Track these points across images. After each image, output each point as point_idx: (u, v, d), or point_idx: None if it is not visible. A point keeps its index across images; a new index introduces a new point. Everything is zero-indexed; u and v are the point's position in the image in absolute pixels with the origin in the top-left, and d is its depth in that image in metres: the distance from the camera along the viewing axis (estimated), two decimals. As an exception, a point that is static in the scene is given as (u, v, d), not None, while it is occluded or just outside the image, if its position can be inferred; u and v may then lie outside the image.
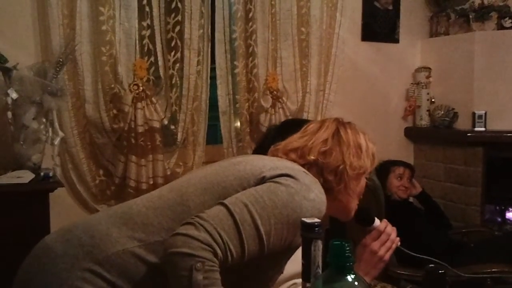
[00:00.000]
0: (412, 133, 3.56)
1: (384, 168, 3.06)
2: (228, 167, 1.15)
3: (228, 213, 0.98)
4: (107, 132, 2.46)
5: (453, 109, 3.31)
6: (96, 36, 2.41)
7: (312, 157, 1.22)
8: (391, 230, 1.36)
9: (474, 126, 3.20)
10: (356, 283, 0.82)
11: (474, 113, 3.20)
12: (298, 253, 1.20)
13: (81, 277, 1.01)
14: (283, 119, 2.78)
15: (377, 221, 1.36)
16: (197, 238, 0.93)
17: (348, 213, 1.31)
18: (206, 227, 0.95)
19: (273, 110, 2.80)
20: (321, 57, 2.96)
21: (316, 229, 1.01)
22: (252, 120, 2.83)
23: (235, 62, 2.77)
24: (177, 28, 2.58)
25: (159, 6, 2.54)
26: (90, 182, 2.49)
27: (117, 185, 2.51)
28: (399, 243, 1.38)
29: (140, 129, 2.46)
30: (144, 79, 2.51)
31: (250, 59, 2.78)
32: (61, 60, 2.20)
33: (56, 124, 2.23)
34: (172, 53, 2.58)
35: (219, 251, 0.94)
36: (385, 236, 1.34)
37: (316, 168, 1.21)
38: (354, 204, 1.30)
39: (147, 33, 2.53)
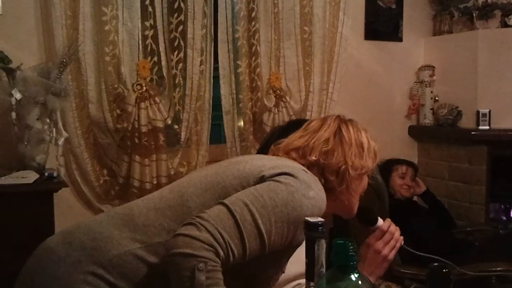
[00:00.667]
0: (416, 132, 3.55)
1: (387, 167, 3.05)
2: (228, 167, 1.15)
3: (229, 212, 0.98)
4: (111, 132, 2.47)
5: (457, 107, 3.30)
6: (99, 36, 2.41)
7: (314, 158, 1.21)
8: (395, 229, 1.35)
9: (478, 125, 3.18)
10: (359, 282, 0.82)
11: (478, 112, 3.19)
12: (301, 253, 1.20)
13: (83, 280, 1.01)
14: (286, 118, 2.78)
15: (380, 221, 1.36)
16: (198, 238, 0.93)
17: (350, 211, 1.31)
18: (207, 227, 0.94)
19: (276, 109, 2.80)
20: (324, 56, 2.96)
21: (320, 228, 1.01)
22: (256, 119, 2.83)
23: (238, 62, 2.77)
24: (180, 28, 2.58)
25: (162, 6, 2.55)
26: (94, 182, 2.50)
27: (121, 185, 2.51)
28: (402, 242, 1.37)
29: (144, 129, 2.46)
30: (148, 79, 2.51)
31: (253, 58, 2.78)
32: (64, 60, 2.21)
33: (60, 125, 2.24)
34: (175, 53, 2.58)
35: (221, 251, 0.94)
36: (389, 235, 1.34)
37: (317, 168, 1.20)
38: (355, 203, 1.30)
39: (150, 33, 2.53)
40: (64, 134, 2.26)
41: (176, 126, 2.63)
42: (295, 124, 1.60)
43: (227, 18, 2.72)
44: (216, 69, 2.74)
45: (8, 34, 2.32)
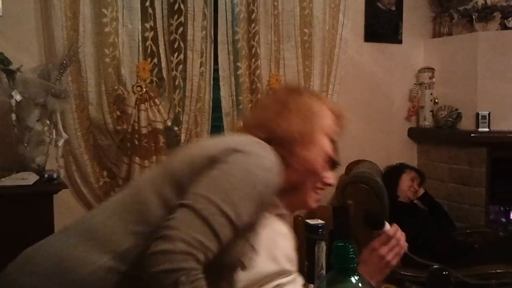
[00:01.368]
0: (416, 134, 3.55)
1: (398, 169, 3.09)
2: (179, 155, 1.12)
3: (193, 213, 0.95)
4: (111, 133, 2.47)
5: (456, 109, 3.30)
6: (99, 38, 2.41)
7: (262, 134, 1.18)
8: (401, 236, 1.34)
9: (477, 127, 3.19)
10: (360, 284, 0.82)
11: (477, 114, 3.19)
12: (277, 250, 1.19)
13: None
14: (286, 120, 2.77)
15: (387, 225, 1.35)
16: (174, 251, 0.91)
17: (305, 194, 1.24)
18: (179, 236, 0.92)
19: (276, 111, 2.80)
20: (324, 58, 2.96)
21: (320, 230, 1.01)
22: (255, 121, 2.82)
23: (238, 63, 2.77)
24: (180, 29, 2.58)
25: (162, 8, 2.55)
26: (94, 184, 2.50)
27: (121, 187, 2.51)
28: (406, 248, 1.36)
29: (144, 131, 2.46)
30: (147, 81, 2.52)
31: (253, 60, 2.78)
32: (64, 62, 2.21)
33: (60, 126, 2.24)
34: (175, 55, 2.58)
35: (199, 255, 0.92)
36: (395, 241, 1.32)
37: (268, 142, 1.16)
38: (311, 184, 1.24)
39: (150, 34, 2.53)
40: (64, 135, 2.26)
41: (176, 128, 2.63)
42: None
43: (227, 20, 2.73)
44: (216, 70, 2.74)
45: (8, 35, 2.32)
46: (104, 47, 2.41)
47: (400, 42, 3.46)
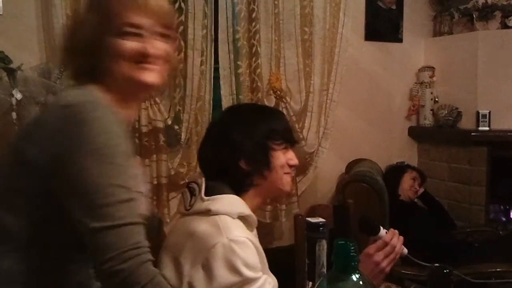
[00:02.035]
0: (416, 133, 3.55)
1: (400, 168, 3.11)
2: (3, 162, 1.10)
3: (102, 230, 0.94)
4: (111, 132, 2.46)
5: (457, 108, 3.30)
6: (100, 37, 2.41)
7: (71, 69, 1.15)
8: (397, 242, 1.33)
9: (478, 126, 3.19)
10: (361, 282, 0.82)
11: (478, 113, 3.19)
12: (239, 260, 1.17)
13: None
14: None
15: (382, 231, 1.34)
16: (128, 275, 0.93)
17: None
18: (118, 261, 0.93)
19: (276, 110, 2.80)
20: (325, 56, 2.96)
21: (321, 228, 1.02)
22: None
23: (239, 62, 2.77)
24: (181, 28, 2.58)
25: (162, 7, 2.54)
26: (94, 182, 2.49)
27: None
28: (406, 252, 1.36)
29: (144, 129, 2.46)
30: (148, 79, 2.51)
31: (254, 59, 2.78)
32: (65, 60, 2.21)
33: (60, 125, 2.24)
34: (176, 53, 2.58)
35: (145, 255, 0.96)
36: (390, 248, 1.31)
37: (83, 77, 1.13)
38: (129, 72, 1.11)
39: (150, 33, 2.53)
40: (65, 134, 2.26)
41: (176, 127, 2.62)
42: (231, 110, 1.56)
43: (227, 18, 2.72)
44: (216, 69, 2.74)
45: (9, 34, 2.31)
46: (104, 46, 2.41)
47: (400, 41, 3.46)
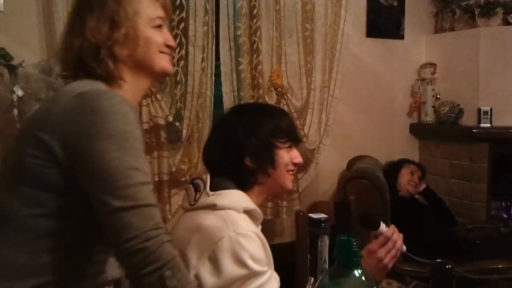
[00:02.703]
0: (417, 130, 3.55)
1: (397, 164, 3.10)
2: (12, 151, 1.12)
3: (123, 210, 0.96)
4: (112, 129, 2.46)
5: (458, 105, 3.30)
6: (101, 33, 2.41)
7: (72, 55, 1.14)
8: (398, 238, 1.34)
9: (479, 122, 3.19)
10: (363, 277, 0.82)
11: (479, 109, 3.19)
12: (245, 253, 1.18)
13: None
14: (288, 115, 2.77)
15: (383, 226, 1.35)
16: (150, 252, 0.95)
17: (152, 65, 1.20)
18: (140, 240, 0.95)
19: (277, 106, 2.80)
20: (326, 53, 2.96)
21: (323, 224, 1.02)
22: (257, 117, 2.82)
23: (240, 59, 2.76)
24: (182, 25, 2.57)
25: (163, 3, 2.54)
26: (95, 179, 2.49)
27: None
28: (404, 249, 1.36)
29: (145, 126, 2.46)
30: (149, 76, 2.51)
31: (255, 55, 2.78)
32: (66, 57, 2.21)
33: (62, 122, 2.24)
34: (177, 50, 2.57)
35: (165, 235, 0.97)
36: (391, 243, 1.32)
37: (81, 67, 1.13)
38: (154, 56, 1.19)
39: (151, 30, 2.52)
40: (66, 131, 2.26)
41: (177, 123, 2.62)
42: (236, 109, 1.58)
43: (228, 15, 2.72)
44: (217, 66, 2.74)
45: (10, 31, 2.31)
46: (105, 43, 2.40)
47: (402, 37, 3.46)
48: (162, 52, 1.20)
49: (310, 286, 1.03)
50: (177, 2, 2.56)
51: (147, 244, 0.94)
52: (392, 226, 1.36)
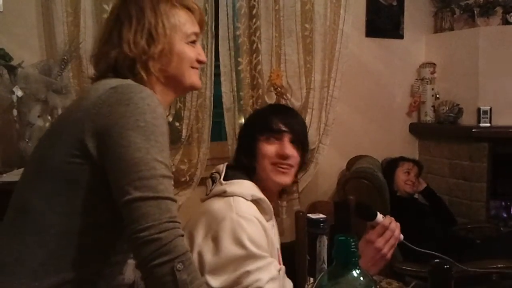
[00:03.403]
0: (417, 129, 3.55)
1: (392, 163, 3.08)
2: (44, 148, 1.12)
3: (142, 200, 0.97)
4: (112, 129, 2.46)
5: (458, 104, 3.30)
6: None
7: (110, 61, 1.16)
8: (395, 227, 1.35)
9: (479, 122, 3.19)
10: (361, 278, 0.82)
11: (479, 109, 3.19)
12: (245, 234, 1.21)
13: None
14: (287, 115, 2.77)
15: (379, 216, 1.35)
16: (163, 244, 0.95)
17: (182, 80, 1.22)
18: (156, 230, 0.95)
19: (277, 106, 2.80)
20: (325, 53, 2.96)
21: (321, 224, 1.02)
22: (257, 116, 2.82)
23: (239, 59, 2.77)
24: (181, 25, 2.57)
25: (163, 3, 2.54)
26: (95, 179, 2.49)
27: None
28: (402, 238, 1.37)
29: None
30: (149, 76, 2.51)
31: (254, 55, 2.78)
32: (65, 57, 2.21)
33: (61, 122, 2.24)
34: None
35: (180, 229, 0.98)
36: (389, 232, 1.33)
37: (113, 72, 1.15)
38: (185, 70, 1.22)
39: (151, 30, 2.53)
40: (65, 131, 2.26)
41: (177, 123, 2.62)
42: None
43: (228, 15, 2.72)
44: (217, 66, 2.74)
45: (9, 31, 2.31)
46: (105, 43, 2.41)
47: (401, 37, 3.46)
48: (193, 67, 1.23)
49: (309, 286, 1.03)
50: (177, 2, 2.57)
51: (162, 235, 0.95)
52: (388, 216, 1.37)
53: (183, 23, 1.20)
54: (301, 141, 1.47)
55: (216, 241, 1.25)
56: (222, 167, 1.42)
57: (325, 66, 2.96)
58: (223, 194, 1.33)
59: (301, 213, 1.99)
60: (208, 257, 1.23)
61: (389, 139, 3.45)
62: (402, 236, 1.36)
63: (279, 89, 2.81)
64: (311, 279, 1.02)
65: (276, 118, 1.44)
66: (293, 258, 1.81)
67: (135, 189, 0.97)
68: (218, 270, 1.22)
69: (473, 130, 3.15)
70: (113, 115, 1.02)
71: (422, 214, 2.96)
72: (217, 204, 1.32)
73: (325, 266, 1.00)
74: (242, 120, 2.84)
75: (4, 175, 2.05)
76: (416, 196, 3.17)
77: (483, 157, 3.13)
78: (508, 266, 2.35)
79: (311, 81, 2.91)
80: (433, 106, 3.43)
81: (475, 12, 3.26)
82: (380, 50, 3.39)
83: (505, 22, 3.22)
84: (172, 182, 1.04)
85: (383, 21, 3.37)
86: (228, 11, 2.71)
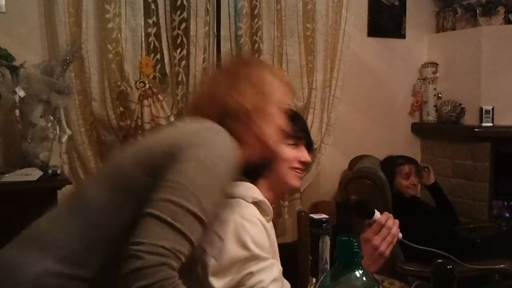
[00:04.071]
0: (419, 129, 3.55)
1: (389, 169, 3.02)
2: (127, 157, 1.13)
3: (157, 220, 0.94)
4: (114, 129, 2.47)
5: (460, 104, 3.29)
6: (102, 34, 2.41)
7: (214, 109, 1.19)
8: (392, 224, 1.34)
9: (481, 122, 3.18)
10: (364, 278, 0.82)
11: (481, 108, 3.19)
12: (248, 236, 1.20)
13: None
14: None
15: (377, 214, 1.35)
16: (145, 266, 0.90)
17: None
18: (147, 249, 0.91)
19: (279, 106, 2.79)
20: (327, 53, 2.96)
21: (324, 225, 1.02)
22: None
23: (241, 59, 2.77)
24: (183, 25, 2.58)
25: (164, 4, 2.55)
26: (97, 180, 2.50)
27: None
28: (400, 236, 1.36)
29: (147, 126, 2.46)
30: (150, 77, 2.52)
31: (256, 55, 2.78)
32: (67, 58, 2.21)
33: (64, 122, 2.25)
34: (178, 50, 2.58)
35: (172, 262, 0.92)
36: (386, 230, 1.32)
37: (220, 119, 1.18)
38: (277, 142, 1.26)
39: (153, 30, 2.53)
40: (68, 131, 2.27)
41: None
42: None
43: (229, 15, 2.72)
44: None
45: (12, 32, 2.32)
46: (107, 43, 2.41)
47: (403, 37, 3.45)
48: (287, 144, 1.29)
49: (312, 287, 1.03)
50: (178, 3, 2.57)
51: (149, 257, 0.90)
52: (386, 213, 1.36)
53: (281, 95, 1.27)
54: (312, 147, 1.49)
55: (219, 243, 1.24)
56: None
57: (327, 66, 2.96)
58: None
59: (303, 213, 1.99)
60: (211, 259, 1.23)
61: (391, 139, 3.45)
62: (400, 234, 1.35)
63: (281, 89, 2.80)
64: (314, 279, 1.02)
65: (295, 125, 1.44)
66: (295, 258, 1.81)
67: (157, 209, 0.95)
68: (222, 272, 1.22)
69: (475, 129, 3.14)
70: (189, 140, 1.04)
71: (425, 213, 2.96)
72: None
73: (328, 266, 1.00)
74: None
75: (7, 175, 2.06)
76: (418, 195, 3.17)
77: (485, 156, 3.13)
78: (511, 266, 2.35)
79: (313, 81, 2.91)
80: (435, 106, 3.42)
81: (477, 11, 3.26)
82: (382, 49, 3.38)
83: (507, 21, 3.21)
84: (200, 229, 0.98)
85: (385, 21, 3.37)
86: (230, 11, 2.72)
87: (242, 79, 1.21)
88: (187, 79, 2.61)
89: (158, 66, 2.57)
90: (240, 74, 1.23)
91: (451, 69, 3.40)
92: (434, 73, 3.43)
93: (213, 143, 1.05)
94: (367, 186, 2.69)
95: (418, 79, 3.49)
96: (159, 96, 2.51)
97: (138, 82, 2.47)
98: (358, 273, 0.82)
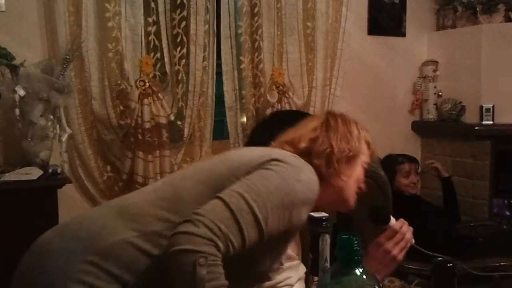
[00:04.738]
0: (419, 127, 3.55)
1: (389, 168, 3.01)
2: (220, 160, 1.18)
3: (224, 205, 0.99)
4: (114, 128, 2.47)
5: (460, 102, 3.29)
6: (102, 33, 2.41)
7: (303, 145, 1.26)
8: (407, 230, 1.34)
9: (481, 120, 3.18)
10: (364, 276, 0.82)
11: (481, 107, 3.19)
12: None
13: (81, 270, 1.01)
14: (289, 114, 2.77)
15: (393, 220, 1.35)
16: (197, 234, 0.94)
17: (345, 201, 1.31)
18: (205, 222, 0.95)
19: (279, 105, 2.80)
20: (327, 51, 2.95)
21: (324, 223, 1.02)
22: (258, 115, 2.83)
23: (241, 58, 2.77)
24: (183, 24, 2.57)
25: (164, 2, 2.54)
26: (98, 178, 2.50)
27: (125, 181, 2.52)
28: (413, 242, 1.36)
29: (147, 125, 2.46)
30: (150, 75, 2.51)
31: (256, 54, 2.78)
32: (67, 57, 2.21)
33: (64, 121, 2.25)
34: (178, 49, 2.58)
35: (220, 244, 0.95)
36: (400, 235, 1.32)
37: (307, 155, 1.23)
38: (350, 192, 1.30)
39: (153, 29, 2.53)
40: (68, 130, 2.27)
41: (179, 122, 2.63)
42: (276, 116, 1.61)
43: (229, 13, 2.72)
44: (219, 65, 2.74)
45: (12, 31, 2.32)
46: (107, 42, 2.41)
47: (403, 35, 3.45)
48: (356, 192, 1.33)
49: (312, 285, 1.03)
50: (178, 1, 2.57)
51: (203, 229, 0.94)
52: (401, 219, 1.36)
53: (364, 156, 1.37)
54: None
55: None
56: None
57: (327, 64, 2.96)
58: None
59: (303, 212, 1.98)
60: None
61: (392, 137, 3.45)
62: (413, 240, 1.35)
63: (281, 87, 2.81)
64: (314, 278, 1.02)
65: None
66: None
67: (230, 198, 1.00)
68: None
69: (475, 128, 3.14)
70: (283, 157, 1.12)
71: (425, 212, 2.95)
72: None
73: (328, 264, 1.00)
74: (244, 119, 2.84)
75: (7, 174, 2.06)
76: (418, 194, 3.17)
77: (486, 155, 3.13)
78: (511, 264, 2.35)
79: (313, 80, 2.91)
80: (435, 104, 3.42)
81: (478, 9, 3.25)
82: (382, 48, 3.38)
83: (508, 19, 3.21)
84: (257, 236, 1.00)
85: (385, 19, 3.37)
86: (230, 10, 2.71)
87: (333, 126, 1.30)
88: (187, 78, 2.61)
89: (158, 65, 2.57)
90: (329, 122, 1.31)
91: (452, 67, 3.40)
92: (434, 71, 3.43)
93: (299, 168, 1.11)
94: (367, 184, 2.67)
95: (418, 77, 3.49)
96: (159, 94, 2.51)
97: (138, 81, 2.47)
98: (358, 271, 0.82)
